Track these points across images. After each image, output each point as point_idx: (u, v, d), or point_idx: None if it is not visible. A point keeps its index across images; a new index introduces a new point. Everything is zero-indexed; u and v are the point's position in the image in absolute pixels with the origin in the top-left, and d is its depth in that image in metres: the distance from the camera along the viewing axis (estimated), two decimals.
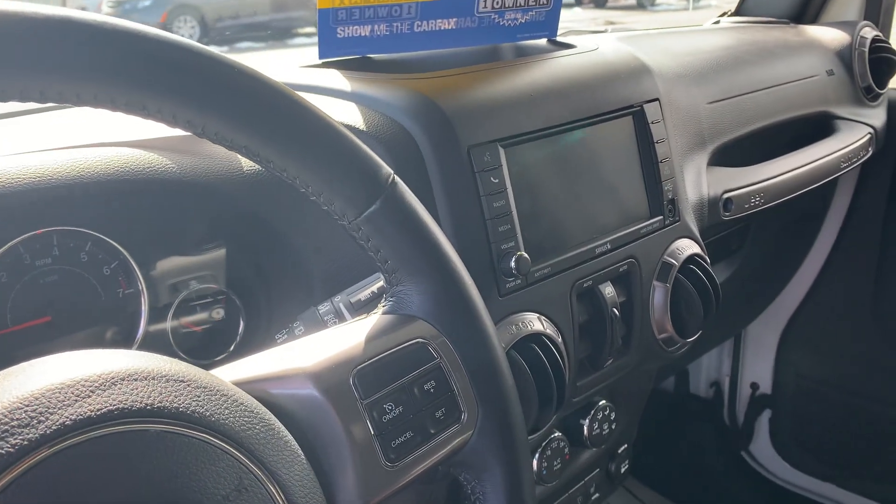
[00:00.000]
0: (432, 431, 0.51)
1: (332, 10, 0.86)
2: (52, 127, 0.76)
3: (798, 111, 1.29)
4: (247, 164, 0.70)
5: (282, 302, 0.76)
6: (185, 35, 0.52)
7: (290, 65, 0.93)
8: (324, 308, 0.64)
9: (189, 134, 0.46)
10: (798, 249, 1.69)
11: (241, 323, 0.76)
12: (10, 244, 0.63)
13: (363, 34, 0.91)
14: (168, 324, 0.72)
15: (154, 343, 0.71)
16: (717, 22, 1.58)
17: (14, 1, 0.38)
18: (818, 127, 1.36)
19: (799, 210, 1.54)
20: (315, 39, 0.88)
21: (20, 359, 0.42)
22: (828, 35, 1.48)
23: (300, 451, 0.46)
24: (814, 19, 1.60)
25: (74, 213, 0.66)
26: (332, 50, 0.90)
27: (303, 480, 0.44)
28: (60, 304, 0.67)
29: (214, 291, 0.75)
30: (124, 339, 0.70)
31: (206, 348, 0.75)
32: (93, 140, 0.68)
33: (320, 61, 0.91)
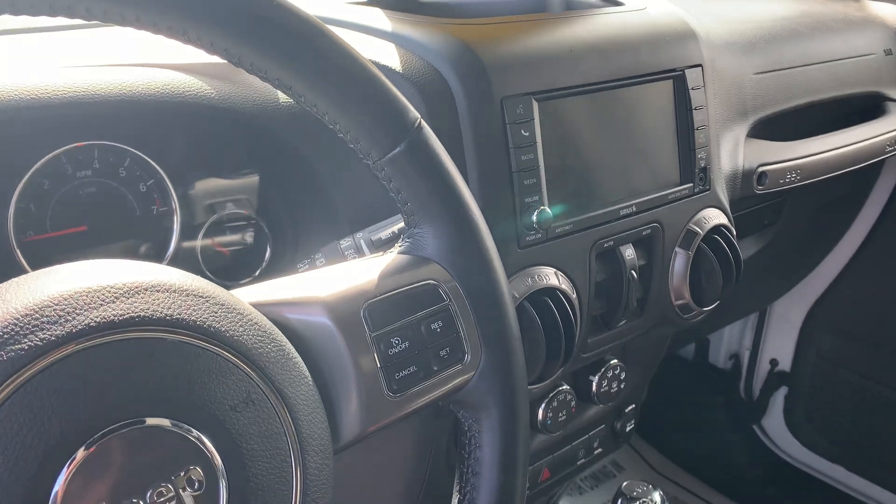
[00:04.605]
0: (435, 368, 0.54)
1: None
2: (99, 44, 0.79)
3: (849, 89, 1.26)
4: (283, 96, 0.72)
5: (308, 234, 0.78)
6: None
7: (338, 0, 0.94)
8: (345, 243, 0.66)
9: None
10: (834, 230, 1.67)
11: (268, 250, 0.79)
12: (53, 154, 0.66)
13: None
14: (198, 243, 0.75)
15: (183, 261, 0.74)
16: None
17: None
18: (868, 107, 1.32)
19: (839, 190, 1.51)
20: None
21: (56, 264, 0.44)
22: (892, 12, 1.43)
23: (308, 374, 0.48)
24: None
25: (116, 129, 0.68)
26: None
27: (308, 400, 0.47)
28: (97, 215, 0.70)
29: (245, 216, 0.78)
30: (155, 255, 0.73)
31: (232, 271, 0.78)
32: (137, 60, 0.70)
33: None
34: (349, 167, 0.74)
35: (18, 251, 0.65)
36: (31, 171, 0.65)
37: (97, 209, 0.70)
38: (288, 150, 0.73)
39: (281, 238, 0.79)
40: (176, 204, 0.72)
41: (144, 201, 0.72)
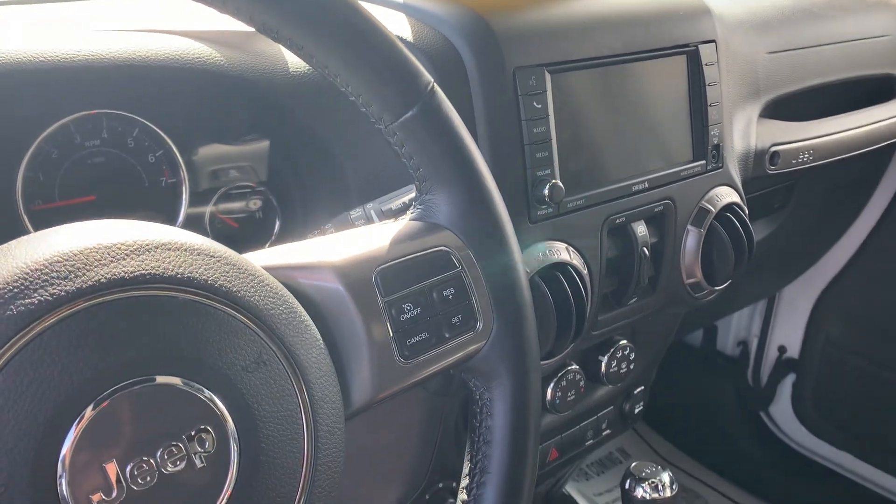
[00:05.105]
0: (447, 335, 0.53)
1: None
2: (109, 11, 0.78)
3: (862, 71, 1.25)
4: (292, 65, 0.71)
5: (317, 206, 0.78)
6: None
7: None
8: (355, 213, 0.66)
9: (239, 29, 0.47)
10: (844, 215, 1.65)
11: (278, 222, 0.79)
12: (62, 122, 0.66)
13: None
14: (207, 214, 0.75)
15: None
16: None
17: None
18: (882, 89, 1.31)
19: (850, 174, 1.50)
20: None
21: None
22: None
23: (319, 337, 0.48)
24: None
25: (125, 97, 0.68)
26: None
27: (319, 363, 0.47)
28: (105, 185, 0.69)
29: (254, 188, 0.77)
30: None
31: (242, 243, 0.77)
32: (147, 26, 0.70)
33: None
34: (359, 139, 0.74)
35: (27, 219, 0.65)
36: (40, 138, 0.65)
37: (106, 179, 0.69)
38: (298, 120, 0.72)
39: (290, 210, 0.78)
40: (185, 175, 0.72)
41: (153, 172, 0.72)
